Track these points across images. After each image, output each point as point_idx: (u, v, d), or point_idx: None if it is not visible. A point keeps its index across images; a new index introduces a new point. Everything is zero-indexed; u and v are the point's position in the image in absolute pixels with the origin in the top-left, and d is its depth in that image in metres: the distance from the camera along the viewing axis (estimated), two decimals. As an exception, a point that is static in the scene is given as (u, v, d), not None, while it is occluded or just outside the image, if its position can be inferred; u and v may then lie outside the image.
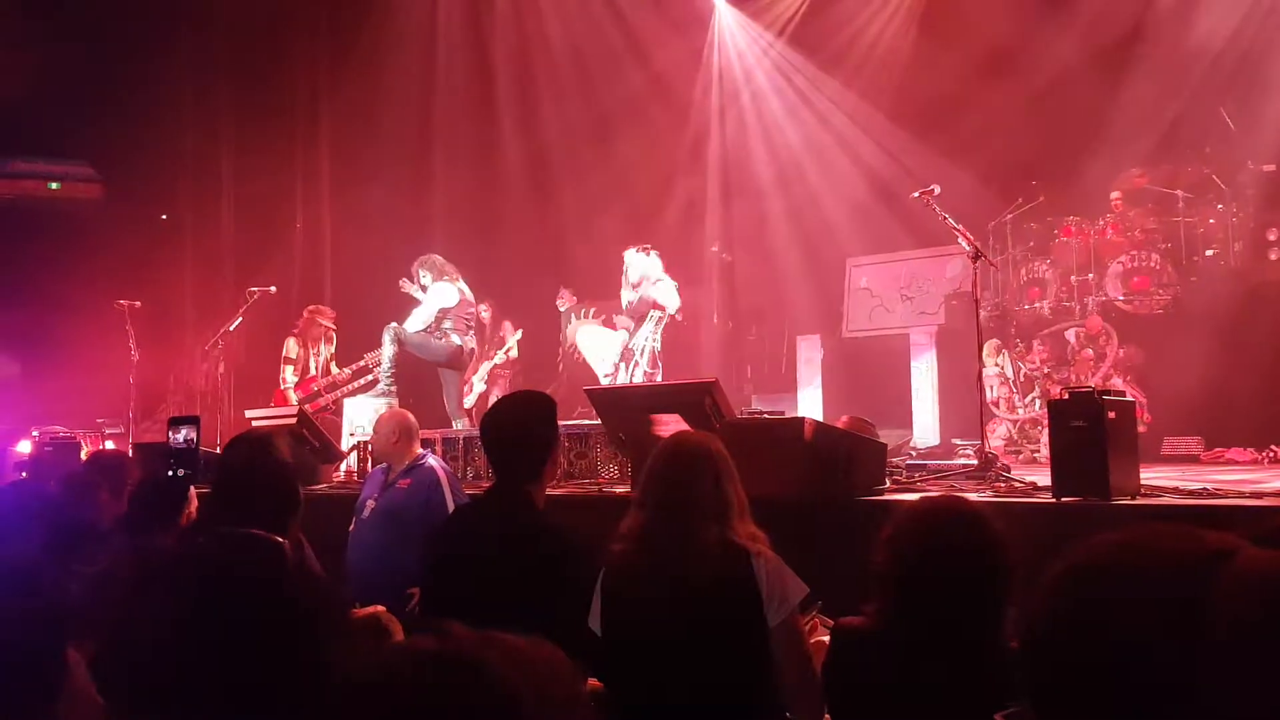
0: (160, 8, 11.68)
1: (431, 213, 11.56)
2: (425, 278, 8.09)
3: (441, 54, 11.93)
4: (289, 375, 8.63)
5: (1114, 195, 8.96)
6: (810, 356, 9.83)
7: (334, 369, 8.80)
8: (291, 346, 8.72)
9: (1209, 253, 8.52)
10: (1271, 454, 7.00)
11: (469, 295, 8.20)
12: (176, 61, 12.18)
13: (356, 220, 11.73)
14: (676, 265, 11.45)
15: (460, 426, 7.84)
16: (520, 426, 3.04)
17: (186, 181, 12.45)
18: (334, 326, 8.93)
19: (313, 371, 8.72)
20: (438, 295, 8.01)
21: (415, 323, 7.96)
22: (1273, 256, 8.15)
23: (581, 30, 11.56)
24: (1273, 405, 7.36)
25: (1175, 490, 4.18)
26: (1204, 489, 4.17)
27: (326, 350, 8.88)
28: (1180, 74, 8.86)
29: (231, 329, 8.74)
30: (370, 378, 8.48)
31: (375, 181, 11.50)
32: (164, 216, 12.78)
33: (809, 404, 9.31)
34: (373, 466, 6.46)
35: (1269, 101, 8.55)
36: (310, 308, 8.95)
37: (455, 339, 8.04)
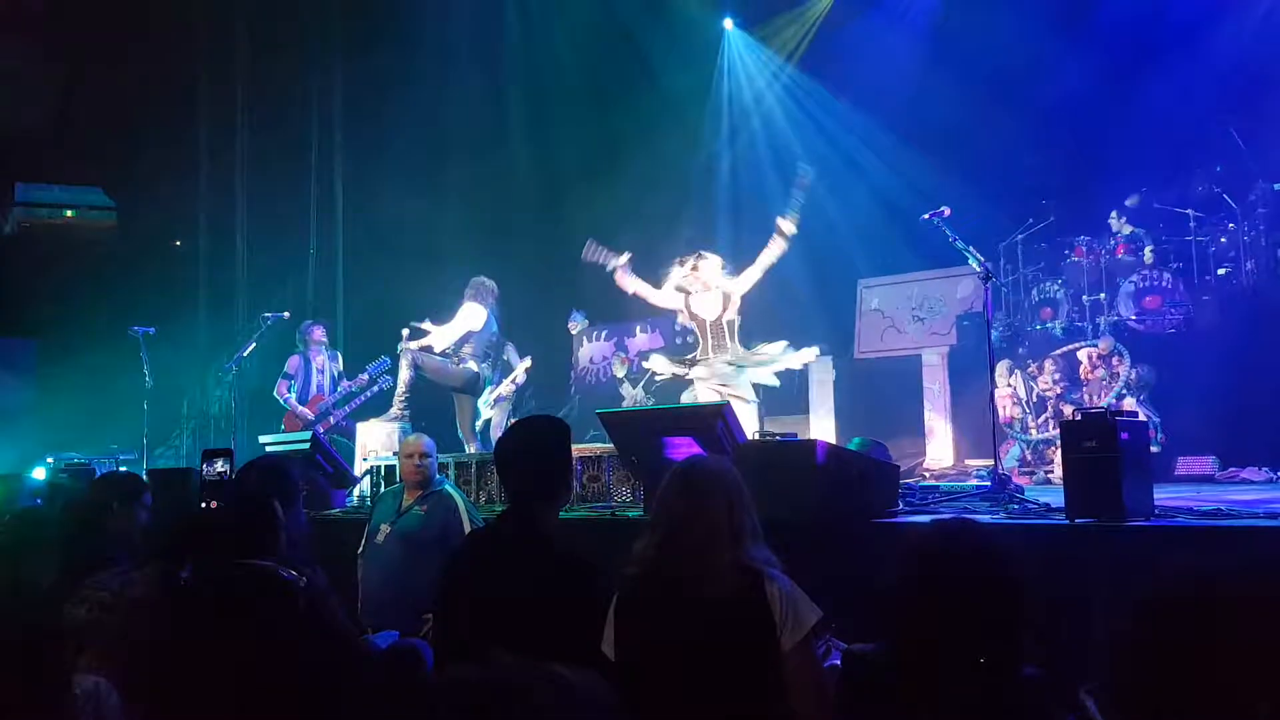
0: (173, 35, 11.83)
1: (444, 238, 11.62)
2: (467, 295, 8.11)
3: (454, 80, 12.03)
4: (284, 388, 8.66)
5: (1124, 214, 8.95)
6: (822, 378, 9.80)
7: (345, 381, 8.80)
8: (292, 363, 8.80)
9: (1221, 271, 8.50)
10: (1287, 474, 6.95)
11: (495, 324, 8.21)
12: (190, 89, 12.33)
13: (369, 246, 11.81)
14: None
15: (472, 451, 7.85)
16: (533, 451, 3.06)
17: (200, 208, 12.56)
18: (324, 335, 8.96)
19: (314, 391, 8.75)
20: (467, 317, 8.02)
21: (439, 340, 7.97)
22: (1285, 275, 8.12)
23: (593, 55, 11.65)
24: (1288, 424, 7.31)
25: (1190, 511, 4.16)
26: (1218, 509, 4.14)
27: (332, 367, 8.89)
28: (1190, 93, 8.87)
29: (245, 355, 8.78)
30: (376, 389, 8.50)
31: (388, 207, 11.58)
32: (177, 243, 12.89)
33: (822, 426, 9.28)
34: (385, 488, 6.49)
35: (1279, 120, 8.55)
36: (305, 324, 9.00)
37: (472, 365, 8.05)
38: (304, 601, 1.36)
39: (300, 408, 8.62)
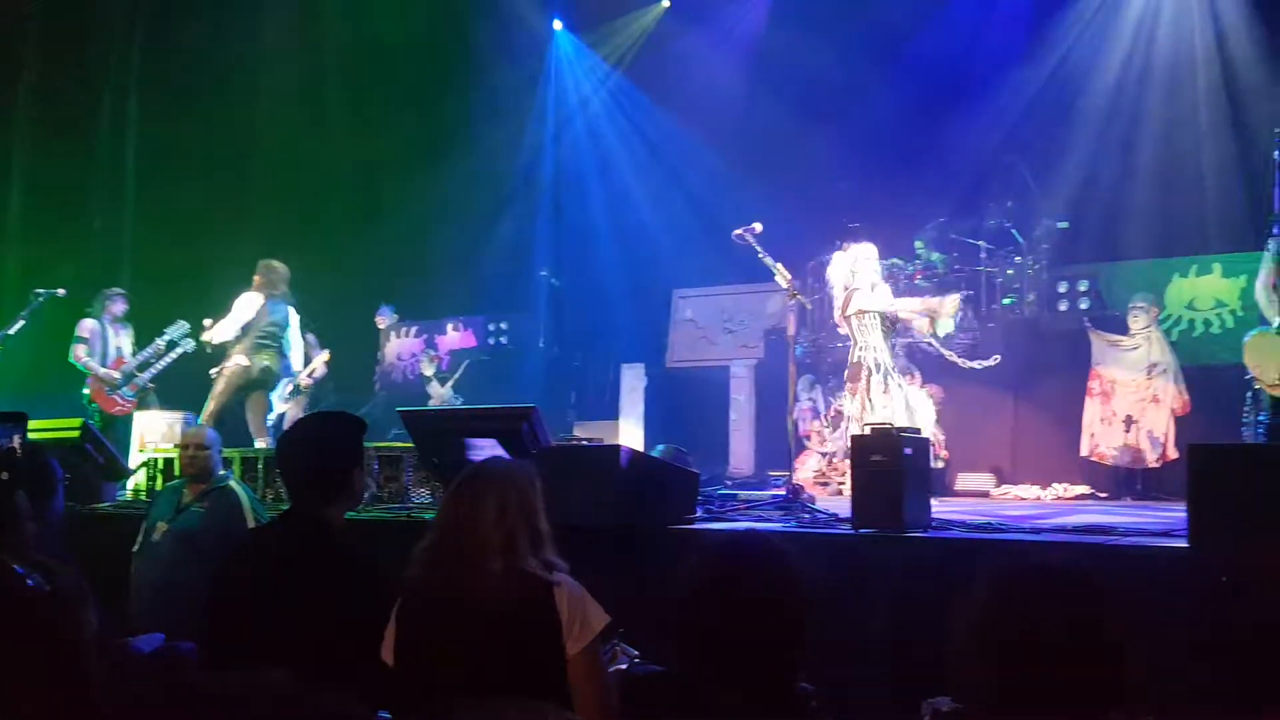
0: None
1: (245, 219, 10.98)
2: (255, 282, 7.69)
3: (268, 53, 11.43)
4: (82, 352, 8.17)
5: (922, 241, 9.44)
6: (634, 385, 9.88)
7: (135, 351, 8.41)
8: (86, 326, 8.28)
9: (1006, 301, 9.08)
10: (1054, 492, 7.51)
11: (279, 312, 7.71)
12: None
13: (162, 226, 10.97)
14: (505, 288, 11.37)
15: (261, 446, 7.43)
16: (317, 448, 2.92)
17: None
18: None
19: (114, 355, 8.30)
20: (241, 307, 7.52)
21: (219, 334, 7.49)
22: (1062, 308, 8.77)
23: (418, 44, 11.34)
24: (1057, 447, 7.95)
25: (963, 524, 4.40)
26: (988, 524, 4.40)
27: (126, 335, 8.49)
28: (989, 130, 9.47)
29: (12, 333, 8.07)
30: (181, 351, 8.17)
31: (185, 184, 10.82)
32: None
33: (630, 432, 9.35)
34: (164, 482, 6.08)
35: (1065, 162, 9.25)
36: (108, 292, 8.56)
37: (244, 359, 7.53)
38: (39, 604, 1.21)
39: (103, 369, 8.19)
